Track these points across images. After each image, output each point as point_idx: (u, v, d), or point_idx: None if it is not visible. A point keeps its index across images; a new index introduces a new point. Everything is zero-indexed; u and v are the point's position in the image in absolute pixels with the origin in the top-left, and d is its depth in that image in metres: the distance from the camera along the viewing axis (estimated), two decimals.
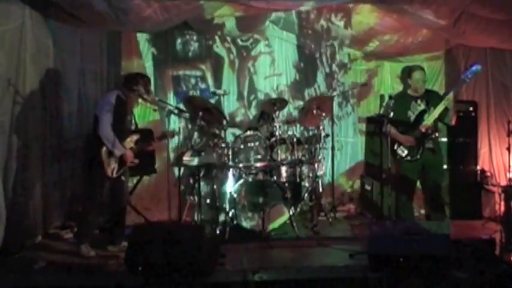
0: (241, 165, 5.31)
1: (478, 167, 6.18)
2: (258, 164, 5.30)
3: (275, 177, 5.35)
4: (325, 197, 6.14)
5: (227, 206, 5.15)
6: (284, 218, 5.08)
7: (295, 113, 6.51)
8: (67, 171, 5.55)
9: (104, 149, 4.49)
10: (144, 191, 6.27)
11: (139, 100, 4.84)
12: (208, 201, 5.52)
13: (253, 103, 6.70)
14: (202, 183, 5.38)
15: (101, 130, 4.46)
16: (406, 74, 5.10)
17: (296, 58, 6.78)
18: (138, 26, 5.70)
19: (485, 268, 3.85)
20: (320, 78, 6.83)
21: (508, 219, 4.92)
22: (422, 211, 5.69)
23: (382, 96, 6.57)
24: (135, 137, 4.77)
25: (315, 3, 5.42)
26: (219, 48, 6.64)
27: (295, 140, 5.57)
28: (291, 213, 5.10)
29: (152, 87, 5.46)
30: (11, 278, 3.93)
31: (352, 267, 4.11)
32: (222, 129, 5.71)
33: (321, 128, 5.74)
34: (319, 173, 5.82)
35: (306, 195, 5.69)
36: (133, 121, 5.01)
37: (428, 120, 4.74)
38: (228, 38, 6.59)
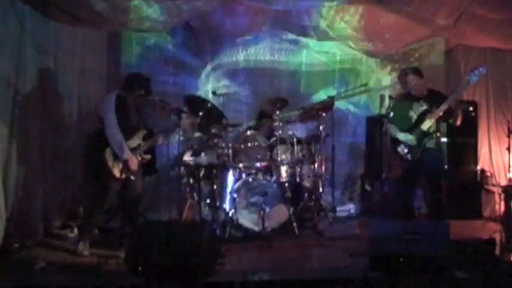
0: (241, 165, 5.31)
1: (478, 167, 6.19)
2: (258, 164, 5.30)
3: (275, 177, 5.35)
4: (325, 197, 6.15)
5: (227, 206, 5.15)
6: (284, 218, 5.08)
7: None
8: (67, 171, 5.55)
9: (108, 150, 4.49)
10: (144, 191, 6.26)
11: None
12: (208, 201, 5.52)
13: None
14: (202, 183, 5.38)
15: (107, 131, 4.46)
16: (403, 76, 5.10)
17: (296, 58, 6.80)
18: (138, 26, 5.69)
19: (485, 268, 3.85)
20: (320, 78, 6.84)
21: (508, 219, 4.93)
22: (423, 211, 5.70)
23: (382, 96, 6.59)
24: (141, 133, 4.75)
25: (315, 3, 5.42)
26: None
27: (295, 140, 5.57)
28: (291, 213, 5.10)
29: None
30: (11, 278, 3.93)
31: (352, 267, 4.10)
32: (222, 129, 5.70)
33: (321, 128, 5.74)
34: (319, 173, 5.82)
35: (306, 195, 5.69)
36: (140, 120, 4.88)
37: (430, 120, 4.73)
38: None
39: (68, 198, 5.63)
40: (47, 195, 5.20)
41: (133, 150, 4.62)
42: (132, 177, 4.63)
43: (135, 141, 4.68)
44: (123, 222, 4.90)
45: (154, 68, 6.47)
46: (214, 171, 5.43)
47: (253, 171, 5.34)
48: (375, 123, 6.31)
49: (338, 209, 6.25)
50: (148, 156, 4.79)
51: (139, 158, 4.70)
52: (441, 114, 4.68)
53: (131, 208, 4.86)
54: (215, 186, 5.41)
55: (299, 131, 6.52)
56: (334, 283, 3.75)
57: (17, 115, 4.66)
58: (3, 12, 4.47)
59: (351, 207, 6.47)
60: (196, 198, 5.41)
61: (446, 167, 5.81)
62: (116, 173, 4.53)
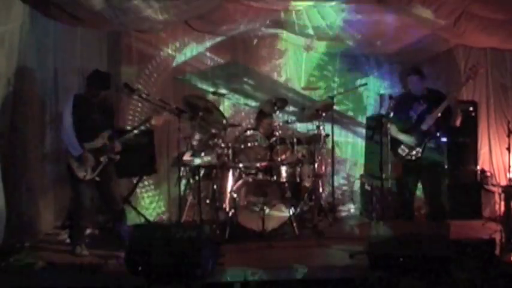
0: (241, 165, 5.31)
1: (478, 167, 6.18)
2: (258, 164, 5.30)
3: (275, 177, 5.35)
4: (325, 197, 6.14)
5: (227, 206, 5.15)
6: (284, 218, 5.08)
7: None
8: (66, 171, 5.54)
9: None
10: (144, 191, 6.27)
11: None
12: (208, 201, 5.52)
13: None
14: (202, 183, 5.38)
15: (62, 130, 4.54)
16: (404, 76, 5.09)
17: (296, 58, 6.80)
18: (138, 26, 5.70)
19: (485, 268, 3.85)
20: (319, 78, 6.84)
21: (508, 219, 4.93)
22: (423, 211, 5.69)
23: (382, 96, 6.59)
24: (106, 134, 4.66)
25: (314, 3, 5.41)
26: None
27: (295, 140, 5.57)
28: (291, 213, 5.10)
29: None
30: (11, 278, 3.93)
31: (352, 267, 4.11)
32: (222, 129, 5.70)
33: (321, 128, 5.73)
34: (319, 173, 5.81)
35: (306, 195, 5.69)
36: (107, 120, 4.77)
37: (430, 119, 4.72)
38: None
39: (68, 198, 5.62)
40: (47, 195, 5.20)
41: (97, 150, 4.58)
42: (97, 179, 4.60)
43: (99, 141, 4.62)
44: (114, 223, 4.92)
45: None
46: (214, 171, 5.44)
47: (253, 171, 5.34)
48: (375, 123, 6.29)
49: (338, 209, 6.25)
50: (117, 157, 4.71)
51: (106, 159, 4.64)
52: (440, 115, 4.68)
53: (110, 210, 4.86)
54: (215, 186, 5.41)
55: (299, 131, 6.53)
56: (334, 283, 3.76)
57: (17, 115, 4.66)
58: (3, 12, 4.47)
59: (351, 207, 6.47)
60: (196, 198, 5.41)
61: (446, 167, 5.80)
62: (79, 174, 4.52)
